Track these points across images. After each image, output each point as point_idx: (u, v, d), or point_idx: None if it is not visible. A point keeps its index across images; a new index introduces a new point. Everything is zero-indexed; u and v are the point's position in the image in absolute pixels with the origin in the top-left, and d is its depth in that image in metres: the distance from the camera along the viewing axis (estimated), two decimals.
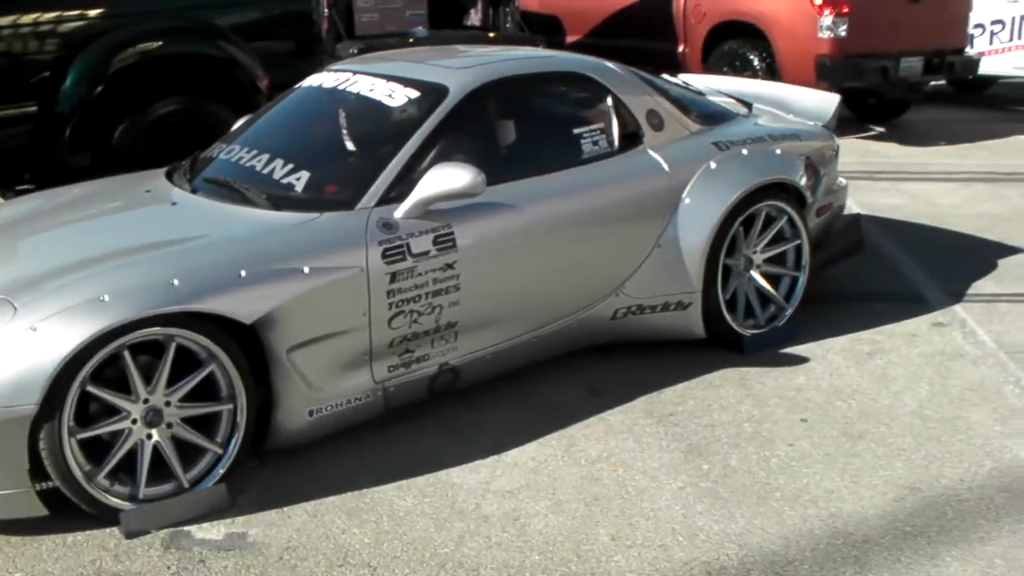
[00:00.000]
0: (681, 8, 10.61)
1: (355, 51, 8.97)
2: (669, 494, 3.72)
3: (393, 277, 3.88)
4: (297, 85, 4.95)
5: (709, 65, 10.21)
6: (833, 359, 4.84)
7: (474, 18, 10.85)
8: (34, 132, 6.04)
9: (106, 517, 3.47)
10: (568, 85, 4.82)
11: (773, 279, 5.04)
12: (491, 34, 10.21)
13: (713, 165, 4.77)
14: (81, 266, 3.57)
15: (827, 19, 9.24)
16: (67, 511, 3.45)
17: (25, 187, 6.30)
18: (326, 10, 9.22)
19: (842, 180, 5.59)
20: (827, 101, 5.74)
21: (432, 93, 4.34)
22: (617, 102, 4.72)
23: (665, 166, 4.68)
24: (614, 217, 4.55)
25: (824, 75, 9.34)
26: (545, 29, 11.90)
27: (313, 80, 4.88)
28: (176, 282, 3.45)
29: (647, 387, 4.55)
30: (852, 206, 7.21)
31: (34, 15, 6.03)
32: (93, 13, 6.24)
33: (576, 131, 4.60)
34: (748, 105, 5.58)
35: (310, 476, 3.84)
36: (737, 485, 3.78)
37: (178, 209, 4.18)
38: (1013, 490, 3.74)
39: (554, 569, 3.29)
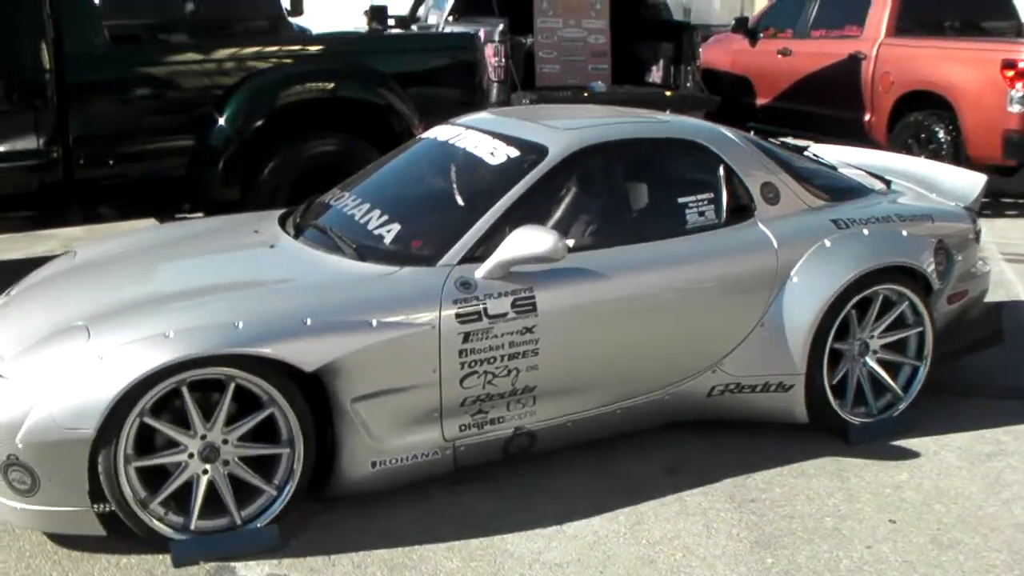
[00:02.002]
0: (870, 76, 10.26)
1: (527, 102, 9.08)
2: None
3: (466, 337, 3.87)
4: (417, 136, 5.04)
5: (894, 135, 9.85)
6: (946, 457, 4.55)
7: (655, 75, 10.82)
8: (191, 163, 6.34)
9: (156, 543, 3.58)
10: (678, 152, 4.70)
11: (891, 366, 4.78)
12: (668, 92, 10.14)
13: (828, 243, 4.57)
14: (159, 301, 3.74)
15: (1019, 92, 8.75)
16: (126, 534, 3.60)
17: (184, 216, 6.62)
18: (504, 60, 9.34)
19: (983, 265, 5.26)
20: (973, 181, 5.41)
21: (531, 153, 4.33)
22: (729, 172, 4.58)
23: (774, 241, 4.51)
24: (713, 291, 4.42)
25: (1010, 151, 8.84)
26: (735, 90, 11.78)
27: (430, 133, 4.95)
28: (240, 324, 3.55)
29: (736, 469, 4.38)
30: (1021, 294, 6.82)
31: (199, 54, 6.36)
32: (257, 51, 6.53)
33: (681, 200, 4.48)
34: (887, 182, 5.33)
35: (367, 526, 3.87)
36: None
37: (273, 253, 4.30)
38: None
39: None
